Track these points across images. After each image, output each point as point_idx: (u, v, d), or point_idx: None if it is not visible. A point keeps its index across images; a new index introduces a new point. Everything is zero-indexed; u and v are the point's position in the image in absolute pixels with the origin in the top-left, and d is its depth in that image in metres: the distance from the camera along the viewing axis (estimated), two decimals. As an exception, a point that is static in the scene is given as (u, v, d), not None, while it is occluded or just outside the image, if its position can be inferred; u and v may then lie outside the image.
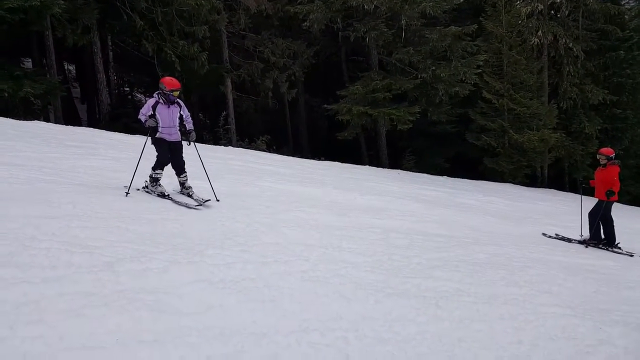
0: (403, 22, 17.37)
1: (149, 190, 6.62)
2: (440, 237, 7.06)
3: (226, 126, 18.14)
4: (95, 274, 3.53)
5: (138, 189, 6.59)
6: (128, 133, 13.16)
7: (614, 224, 8.58)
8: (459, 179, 17.87)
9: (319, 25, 18.11)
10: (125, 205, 5.61)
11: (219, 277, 3.91)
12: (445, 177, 18.20)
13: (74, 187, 6.11)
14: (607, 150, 8.52)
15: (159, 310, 3.15)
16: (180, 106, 6.64)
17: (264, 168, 11.87)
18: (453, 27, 18.03)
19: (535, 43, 20.48)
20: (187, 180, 6.90)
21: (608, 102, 21.21)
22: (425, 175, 17.87)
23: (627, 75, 21.50)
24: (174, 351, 2.77)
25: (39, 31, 14.71)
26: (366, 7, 17.00)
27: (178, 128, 6.63)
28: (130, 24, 15.72)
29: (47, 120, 14.76)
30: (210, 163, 10.78)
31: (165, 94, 6.38)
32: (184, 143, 6.76)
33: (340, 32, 18.92)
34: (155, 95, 6.51)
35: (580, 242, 8.62)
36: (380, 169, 17.87)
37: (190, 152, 6.83)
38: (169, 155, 6.58)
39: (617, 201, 8.74)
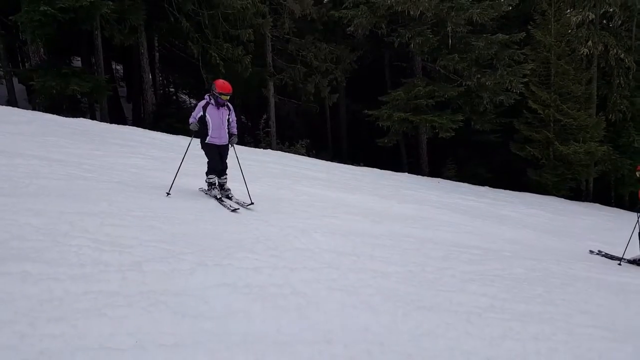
0: (449, 28, 17.11)
1: (205, 192, 6.94)
2: (477, 250, 6.87)
3: (266, 129, 18.38)
4: (123, 273, 3.55)
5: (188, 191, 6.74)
6: (171, 133, 13.56)
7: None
8: (500, 190, 17.35)
9: (363, 31, 18.10)
10: (162, 205, 5.76)
11: (246, 281, 3.89)
12: (486, 187, 17.73)
13: (112, 185, 6.30)
14: None
15: (181, 314, 3.14)
16: (229, 110, 6.75)
17: (301, 172, 11.93)
18: (500, 34, 17.58)
19: (585, 53, 19.66)
20: (226, 182, 7.02)
21: (659, 116, 20.09)
22: (466, 185, 17.47)
23: (680, 88, 20.28)
24: (193, 356, 2.74)
25: (88, 30, 15.20)
26: (412, 12, 16.85)
27: (226, 131, 6.75)
28: (177, 26, 16.20)
29: (93, 118, 15.37)
30: (248, 165, 10.98)
31: (214, 95, 6.50)
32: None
33: (384, 38, 18.82)
34: (206, 97, 6.64)
35: (628, 260, 8.19)
36: (419, 177, 17.61)
37: (229, 154, 6.96)
38: (220, 160, 6.74)
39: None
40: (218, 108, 6.55)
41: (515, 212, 12.27)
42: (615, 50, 19.77)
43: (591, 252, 8.74)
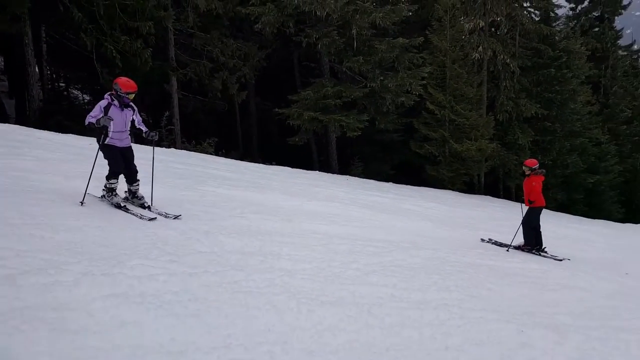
0: (354, 31, 17.63)
1: (104, 200, 6.27)
2: (381, 242, 7.13)
3: (169, 127, 17.55)
4: (-10, 288, 3.15)
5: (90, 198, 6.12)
6: (60, 132, 12.38)
7: (541, 230, 9.07)
8: (402, 185, 18.30)
9: (271, 29, 18.00)
10: (45, 211, 5.19)
11: (139, 290, 3.64)
12: (390, 183, 18.57)
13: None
14: (530, 162, 9.06)
15: (61, 329, 2.87)
16: (134, 110, 6.26)
17: (208, 172, 11.54)
18: (401, 39, 18.49)
19: (476, 58, 21.48)
20: (139, 188, 6.49)
21: (539, 116, 22.61)
22: (372, 181, 18.15)
23: (556, 91, 23.03)
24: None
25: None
26: (318, 13, 17.09)
27: (129, 133, 6.26)
28: (68, 15, 14.86)
29: (-34, 115, 13.59)
30: (148, 165, 10.41)
31: (119, 95, 5.97)
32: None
33: (292, 37, 18.90)
34: (107, 96, 6.04)
35: (514, 247, 9.02)
36: (329, 175, 17.95)
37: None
38: (123, 163, 6.18)
39: (546, 207, 9.21)
40: (122, 109, 6.04)
41: (415, 205, 12.97)
42: (502, 56, 21.80)
43: (482, 240, 9.48)
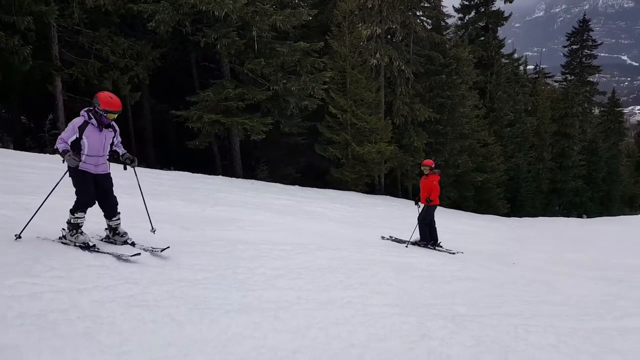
0: (254, 32, 17.48)
1: (66, 240, 5.14)
2: (287, 245, 7.11)
3: (53, 131, 15.97)
4: None
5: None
6: None
7: (436, 226, 9.72)
8: (308, 188, 18.55)
9: (166, 27, 17.18)
10: None
11: (18, 311, 3.25)
12: (296, 186, 18.72)
13: None
14: (428, 162, 9.68)
15: None
16: (115, 131, 5.34)
17: (99, 179, 10.67)
18: (302, 42, 18.74)
19: (374, 64, 22.53)
20: (120, 224, 5.54)
21: (432, 120, 24.35)
22: (278, 184, 18.14)
23: (447, 96, 24.96)
24: None
25: None
26: (216, 13, 16.67)
27: (107, 157, 5.31)
28: None
29: None
30: (27, 174, 9.38)
31: (98, 113, 5.03)
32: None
33: (189, 37, 18.23)
34: (83, 113, 5.08)
35: (412, 243, 9.54)
36: (233, 179, 17.60)
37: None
38: (95, 192, 5.18)
39: (440, 205, 9.89)
40: (101, 130, 5.10)
41: (320, 207, 13.20)
42: (397, 62, 23.10)
43: (383, 238, 9.92)
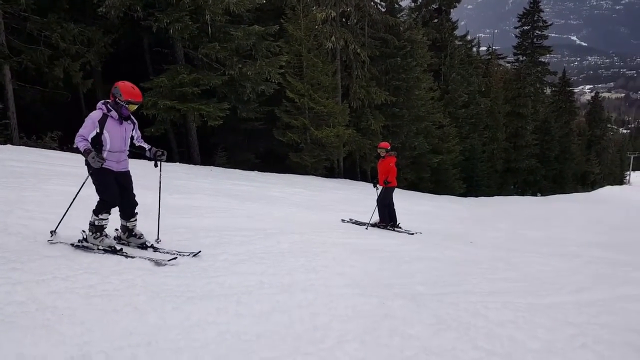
0: (208, 17, 17.06)
1: (88, 244, 4.84)
2: (248, 231, 7.14)
3: (4, 121, 15.23)
4: None
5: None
6: None
7: (395, 207, 9.99)
8: (268, 173, 18.51)
9: (117, 12, 16.50)
10: None
11: (-28, 306, 3.17)
12: (256, 172, 18.64)
13: None
14: (384, 144, 9.90)
15: None
16: (134, 124, 5.07)
17: (52, 169, 10.30)
18: (257, 26, 18.45)
19: (330, 47, 22.49)
20: (136, 225, 5.29)
21: (389, 103, 24.66)
22: (237, 170, 18.00)
23: (402, 79, 25.32)
24: None
25: None
26: (168, -3, 16.14)
27: (127, 153, 5.02)
28: None
29: None
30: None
31: (118, 104, 4.72)
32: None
33: (141, 22, 17.56)
34: (101, 105, 4.76)
35: (371, 225, 9.77)
36: (191, 166, 17.31)
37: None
38: (119, 192, 4.91)
39: (397, 187, 10.16)
40: (121, 122, 4.85)
41: (281, 192, 13.26)
42: (353, 46, 23.16)
43: (343, 220, 10.10)
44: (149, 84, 17.53)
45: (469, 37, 43.61)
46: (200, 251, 5.44)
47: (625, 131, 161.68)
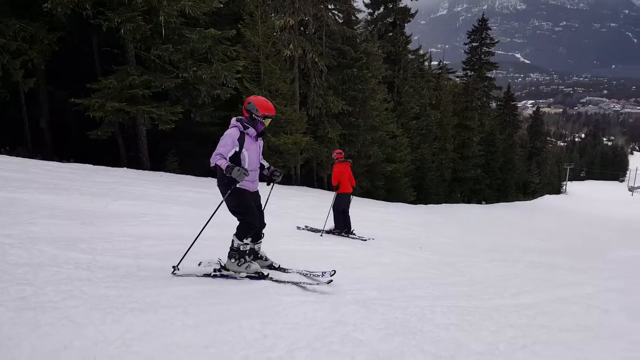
0: (161, 18, 16.61)
1: (229, 272, 4.66)
2: (200, 239, 6.88)
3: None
4: None
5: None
6: None
7: (349, 214, 10.05)
8: (222, 180, 18.10)
9: (64, 9, 15.71)
10: None
11: None
12: (209, 178, 18.19)
13: None
14: (336, 151, 10.06)
15: None
16: (264, 140, 4.74)
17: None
18: (213, 30, 18.14)
19: (288, 55, 22.50)
20: (261, 246, 5.08)
21: (345, 112, 24.98)
22: (189, 177, 17.53)
23: (359, 89, 25.71)
24: None
25: None
26: (120, -5, 15.58)
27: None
28: None
29: None
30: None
31: (255, 120, 4.48)
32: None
33: (90, 20, 16.83)
34: (236, 123, 4.51)
35: (326, 231, 9.77)
36: (140, 172, 16.68)
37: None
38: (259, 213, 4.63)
39: (353, 194, 10.24)
40: (256, 139, 4.61)
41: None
42: (311, 55, 23.28)
43: (299, 228, 10.04)
44: (96, 84, 16.81)
45: (421, 52, 44.98)
46: (335, 271, 5.46)
47: (562, 144, 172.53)
